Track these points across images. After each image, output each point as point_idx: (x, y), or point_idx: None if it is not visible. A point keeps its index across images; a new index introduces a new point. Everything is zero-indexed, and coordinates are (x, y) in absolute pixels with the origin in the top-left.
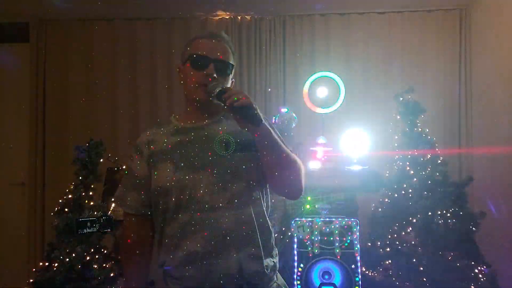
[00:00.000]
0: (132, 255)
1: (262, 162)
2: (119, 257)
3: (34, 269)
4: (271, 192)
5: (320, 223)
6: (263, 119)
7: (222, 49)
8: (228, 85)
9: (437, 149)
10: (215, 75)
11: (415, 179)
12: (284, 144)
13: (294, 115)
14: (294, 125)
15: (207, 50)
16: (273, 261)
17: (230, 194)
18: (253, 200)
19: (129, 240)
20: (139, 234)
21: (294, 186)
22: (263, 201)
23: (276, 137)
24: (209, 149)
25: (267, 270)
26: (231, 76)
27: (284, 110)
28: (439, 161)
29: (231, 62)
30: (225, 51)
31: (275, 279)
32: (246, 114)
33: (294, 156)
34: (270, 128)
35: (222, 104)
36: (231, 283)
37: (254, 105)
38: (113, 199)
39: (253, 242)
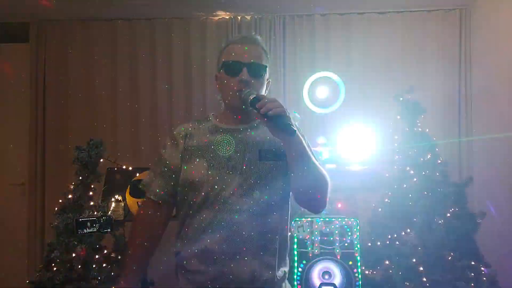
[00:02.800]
0: (141, 238)
1: (290, 172)
2: (127, 239)
3: (34, 269)
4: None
5: (320, 223)
6: (296, 130)
7: (254, 52)
8: (264, 87)
9: (437, 149)
10: (249, 80)
11: (415, 179)
12: (314, 157)
13: (297, 114)
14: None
15: (240, 54)
16: (284, 270)
17: (255, 200)
18: (276, 209)
19: (142, 224)
20: (154, 220)
21: (318, 199)
22: (287, 211)
23: (307, 149)
24: (242, 153)
25: (278, 279)
26: (266, 77)
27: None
28: (439, 161)
29: (265, 63)
30: (258, 54)
31: (284, 287)
32: (279, 124)
33: (322, 170)
34: (302, 139)
35: (256, 112)
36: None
37: (287, 115)
38: (140, 184)
39: (269, 251)
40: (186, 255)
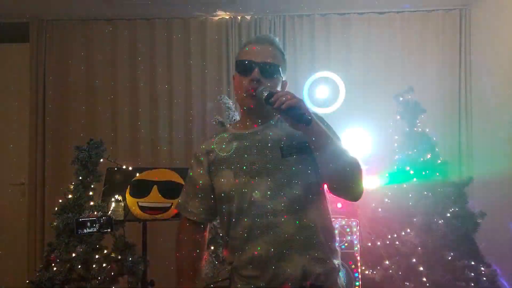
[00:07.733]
0: (187, 260)
1: (318, 163)
2: (176, 262)
3: (34, 269)
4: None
5: None
6: (312, 118)
7: (267, 52)
8: (279, 87)
9: (437, 149)
10: (260, 79)
11: (415, 179)
12: (341, 144)
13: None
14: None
15: (252, 54)
16: (336, 262)
17: (287, 199)
18: (312, 202)
19: (185, 246)
20: (196, 239)
21: (351, 186)
22: (322, 202)
23: (331, 136)
24: (265, 154)
25: (331, 271)
26: (281, 78)
27: None
28: (439, 161)
29: (278, 63)
30: (271, 54)
31: (339, 280)
32: (294, 115)
33: (351, 155)
34: (323, 127)
35: (272, 108)
36: (296, 286)
37: (302, 105)
38: (175, 207)
39: (314, 245)
40: (239, 264)
